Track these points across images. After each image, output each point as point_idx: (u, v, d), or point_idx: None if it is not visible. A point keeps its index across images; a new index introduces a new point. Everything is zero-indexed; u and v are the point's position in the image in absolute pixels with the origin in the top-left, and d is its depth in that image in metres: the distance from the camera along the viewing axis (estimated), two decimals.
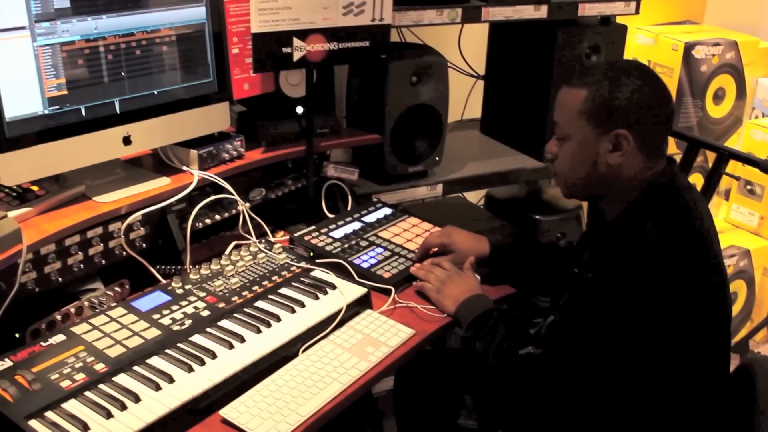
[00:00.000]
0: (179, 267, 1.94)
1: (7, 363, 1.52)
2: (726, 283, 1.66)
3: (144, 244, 1.92)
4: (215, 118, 2.06)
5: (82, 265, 1.78)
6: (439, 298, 1.89)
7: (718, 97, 3.27)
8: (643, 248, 1.55)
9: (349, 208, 2.37)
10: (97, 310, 1.74)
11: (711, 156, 2.80)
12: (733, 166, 2.72)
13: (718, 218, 3.55)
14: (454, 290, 1.88)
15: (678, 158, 2.49)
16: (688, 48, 3.12)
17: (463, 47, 2.93)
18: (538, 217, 2.91)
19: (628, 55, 3.24)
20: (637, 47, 3.31)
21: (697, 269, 1.57)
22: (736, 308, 3.37)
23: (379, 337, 1.77)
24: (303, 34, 2.06)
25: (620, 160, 1.62)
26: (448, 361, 2.11)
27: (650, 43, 3.26)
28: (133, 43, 1.83)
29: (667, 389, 1.59)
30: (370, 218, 2.25)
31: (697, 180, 3.19)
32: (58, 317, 1.73)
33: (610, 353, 1.56)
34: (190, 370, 1.55)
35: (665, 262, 1.53)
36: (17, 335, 1.67)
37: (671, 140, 3.10)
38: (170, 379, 1.52)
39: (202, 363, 1.57)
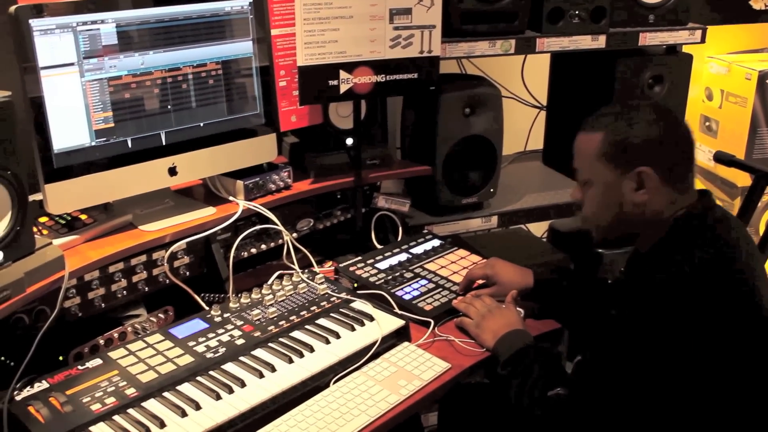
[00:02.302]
0: (223, 295, 1.98)
1: (44, 385, 1.57)
2: (765, 313, 1.57)
3: (188, 272, 1.96)
4: (262, 149, 2.11)
5: (125, 292, 1.84)
6: (478, 333, 1.86)
7: None
8: (669, 284, 1.50)
9: (399, 239, 2.37)
10: (138, 336, 1.78)
11: None
12: None
13: None
14: (493, 324, 1.85)
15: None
16: (763, 77, 3.01)
17: (527, 77, 2.91)
18: (601, 250, 2.84)
19: (699, 85, 3.16)
20: (709, 76, 3.21)
21: (729, 305, 1.50)
22: None
23: (413, 371, 1.75)
24: (350, 67, 2.08)
25: (646, 197, 1.59)
26: (491, 396, 2.07)
27: (723, 72, 3.16)
28: (180, 77, 1.89)
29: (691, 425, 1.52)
30: (418, 250, 2.25)
31: None
32: (101, 342, 1.78)
33: (636, 395, 1.51)
34: (218, 398, 1.57)
35: (692, 297, 1.48)
36: (61, 358, 1.73)
37: (742, 173, 2.99)
38: (197, 406, 1.54)
39: (231, 391, 1.59)
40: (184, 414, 1.52)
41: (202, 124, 1.96)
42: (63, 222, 1.84)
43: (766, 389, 1.58)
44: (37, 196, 1.79)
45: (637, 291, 1.57)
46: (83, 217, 1.86)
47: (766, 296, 1.59)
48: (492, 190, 2.53)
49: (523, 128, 3.02)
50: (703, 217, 1.60)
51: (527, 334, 1.83)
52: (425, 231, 2.38)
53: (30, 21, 1.64)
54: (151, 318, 1.89)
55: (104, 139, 1.80)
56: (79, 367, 1.63)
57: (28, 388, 1.56)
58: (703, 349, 1.47)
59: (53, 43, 1.68)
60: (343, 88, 2.10)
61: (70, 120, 1.74)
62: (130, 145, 1.84)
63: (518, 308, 1.96)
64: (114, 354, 1.68)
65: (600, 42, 2.46)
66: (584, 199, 1.70)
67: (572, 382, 1.64)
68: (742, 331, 1.51)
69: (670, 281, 1.50)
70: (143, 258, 1.86)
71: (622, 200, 1.62)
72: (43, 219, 1.84)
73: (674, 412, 1.51)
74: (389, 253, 2.21)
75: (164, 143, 1.90)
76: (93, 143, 1.79)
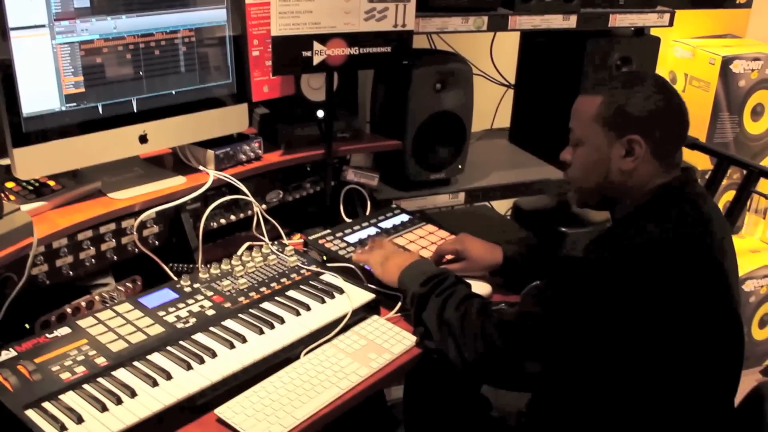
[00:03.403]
0: (191, 265, 1.96)
1: (12, 353, 1.55)
2: (731, 291, 1.63)
3: (157, 242, 1.94)
4: (233, 119, 2.08)
5: (93, 260, 1.81)
6: (383, 271, 1.89)
7: (757, 113, 3.20)
8: (639, 247, 1.54)
9: (367, 213, 2.37)
10: (106, 305, 1.76)
11: None
12: None
13: (754, 237, 3.47)
14: (398, 260, 1.88)
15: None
16: (726, 62, 3.06)
17: (495, 56, 2.92)
18: (564, 229, 2.87)
19: (664, 68, 3.20)
20: (674, 60, 3.25)
21: (695, 274, 1.55)
22: None
23: (383, 344, 1.76)
24: (323, 38, 2.06)
25: (632, 165, 1.64)
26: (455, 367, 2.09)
27: (688, 56, 3.21)
28: (152, 43, 1.86)
29: (654, 399, 1.57)
30: (387, 224, 2.25)
31: (731, 197, 3.12)
32: (69, 310, 1.76)
33: (594, 341, 1.54)
34: (189, 367, 1.57)
35: (660, 263, 1.52)
36: (27, 326, 1.70)
37: (706, 157, 3.04)
38: (168, 376, 1.53)
39: (202, 361, 1.59)
40: (155, 383, 1.51)
41: (173, 92, 1.93)
42: (30, 188, 1.80)
43: (719, 358, 1.63)
44: (4, 161, 1.75)
45: (606, 245, 1.61)
46: (51, 183, 1.82)
47: (730, 270, 1.65)
48: (460, 166, 2.54)
49: (490, 106, 3.03)
50: (681, 189, 1.64)
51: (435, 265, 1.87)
52: (393, 206, 2.39)
53: None
54: (119, 287, 1.87)
55: (75, 104, 1.76)
56: (48, 335, 1.61)
57: None
58: (660, 309, 1.52)
59: (24, 3, 1.63)
60: (317, 60, 2.08)
61: (40, 84, 1.70)
62: (101, 111, 1.81)
63: (487, 283, 1.99)
64: (83, 323, 1.66)
65: (571, 22, 2.48)
66: (573, 160, 1.75)
67: (520, 303, 1.70)
68: (703, 296, 1.56)
69: (640, 244, 1.54)
70: (112, 226, 1.84)
71: (609, 165, 1.66)
72: (9, 184, 1.80)
73: (629, 365, 1.55)
74: (358, 227, 2.21)
75: (135, 110, 1.87)
76: (63, 108, 1.75)
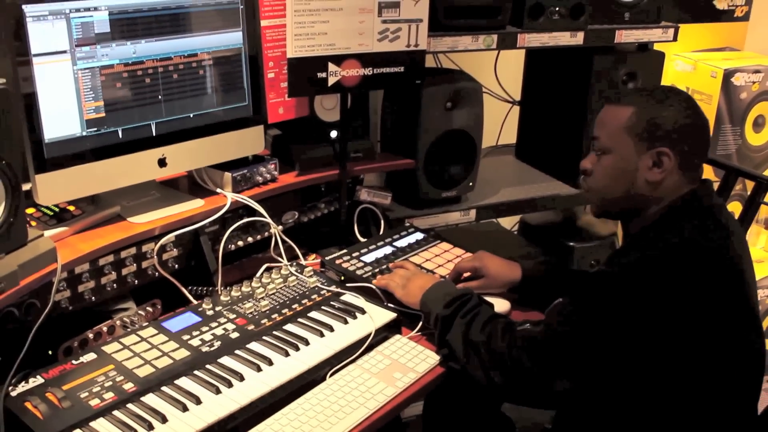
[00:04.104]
0: (211, 288, 1.96)
1: (39, 380, 1.54)
2: (753, 302, 1.64)
3: (177, 265, 1.94)
4: (250, 141, 2.09)
5: (115, 285, 1.81)
6: (405, 294, 1.90)
7: (758, 124, 3.23)
8: (662, 257, 1.56)
9: (381, 233, 2.37)
10: (128, 330, 1.76)
11: (750, 185, 2.76)
12: None
13: (757, 247, 3.49)
14: (419, 282, 1.89)
15: (716, 186, 2.47)
16: (728, 75, 3.09)
17: (500, 73, 2.94)
18: (572, 243, 2.89)
19: (666, 82, 3.22)
20: (675, 74, 3.28)
21: (718, 284, 1.57)
22: None
23: (407, 363, 1.76)
24: (338, 60, 2.07)
25: (659, 177, 1.66)
26: (477, 386, 2.09)
27: (689, 69, 3.24)
28: (171, 67, 1.86)
29: (686, 406, 1.58)
30: (402, 243, 2.25)
31: (736, 209, 3.14)
32: (90, 336, 1.75)
33: (619, 352, 1.56)
34: (218, 392, 1.56)
35: (683, 272, 1.54)
36: (50, 352, 1.69)
37: (710, 168, 3.07)
38: (197, 401, 1.53)
39: (230, 385, 1.58)
40: (185, 408, 1.51)
41: (191, 115, 1.93)
42: (51, 213, 1.80)
43: (746, 363, 1.64)
44: (25, 186, 1.74)
45: (627, 256, 1.63)
46: (71, 208, 1.82)
47: (750, 281, 1.67)
48: (471, 183, 2.55)
49: (495, 122, 3.05)
50: (700, 201, 1.66)
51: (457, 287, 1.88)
52: (407, 224, 2.39)
53: (23, 6, 1.59)
54: (140, 311, 1.86)
55: (95, 129, 1.76)
56: (74, 362, 1.60)
57: (22, 383, 1.53)
58: (680, 317, 1.53)
59: (46, 29, 1.64)
60: (331, 81, 2.09)
61: (62, 109, 1.70)
62: (120, 135, 1.81)
63: (506, 300, 1.99)
64: (108, 348, 1.66)
65: (578, 38, 2.50)
66: (596, 168, 1.75)
67: (545, 322, 1.68)
68: (728, 310, 1.58)
69: (659, 254, 1.57)
70: (133, 251, 1.83)
71: (635, 175, 1.68)
72: (30, 210, 1.80)
73: (656, 384, 1.57)
74: (374, 246, 2.22)
75: (154, 134, 1.87)
76: (84, 133, 1.75)
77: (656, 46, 2.73)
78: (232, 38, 1.98)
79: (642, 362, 1.55)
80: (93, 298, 1.78)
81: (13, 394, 1.50)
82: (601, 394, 1.62)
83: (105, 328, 1.78)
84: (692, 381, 1.57)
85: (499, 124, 3.06)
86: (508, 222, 3.18)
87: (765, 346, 1.70)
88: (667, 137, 1.65)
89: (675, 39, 2.67)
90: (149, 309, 1.89)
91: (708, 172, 3.15)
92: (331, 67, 2.07)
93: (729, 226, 1.66)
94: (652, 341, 1.54)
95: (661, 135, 1.65)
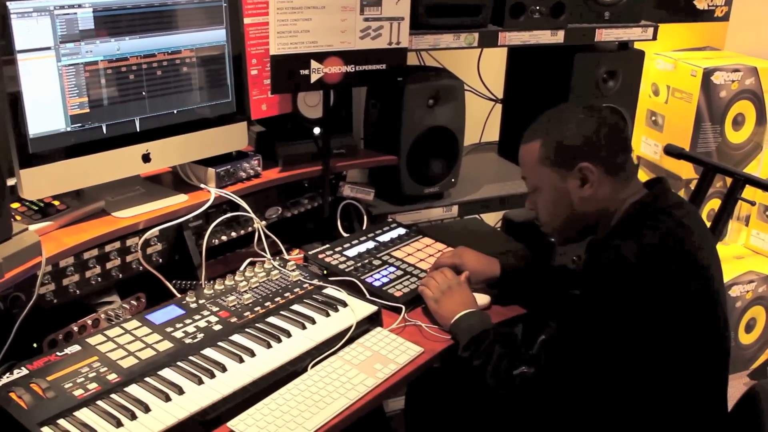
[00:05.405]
0: (194, 282, 1.99)
1: (24, 371, 1.57)
2: (716, 296, 1.67)
3: (161, 259, 1.97)
4: (233, 137, 2.12)
5: (99, 279, 1.83)
6: (436, 309, 1.92)
7: (738, 123, 3.28)
8: (620, 268, 1.58)
9: (364, 228, 2.40)
10: (112, 323, 1.78)
11: (729, 181, 2.81)
12: (753, 192, 2.73)
13: (737, 244, 3.54)
14: (451, 303, 1.91)
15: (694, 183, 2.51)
16: (707, 74, 3.14)
17: (483, 71, 2.97)
18: (553, 239, 2.91)
19: (646, 81, 3.27)
20: (656, 72, 3.33)
21: (678, 284, 1.59)
22: (754, 335, 3.35)
23: (387, 354, 1.79)
24: (321, 57, 2.10)
25: (591, 191, 1.70)
26: (458, 379, 2.12)
27: (669, 68, 3.28)
28: (155, 64, 1.89)
29: (657, 405, 1.61)
30: (384, 238, 2.29)
31: (715, 205, 3.19)
32: (75, 328, 1.77)
33: (599, 369, 1.60)
34: (200, 382, 1.59)
35: (646, 277, 1.57)
36: (35, 345, 1.71)
37: (690, 165, 3.11)
38: (180, 391, 1.55)
39: (212, 376, 1.61)
40: (168, 398, 1.53)
41: (175, 111, 1.96)
42: (36, 208, 1.82)
43: (714, 358, 1.68)
44: (11, 181, 1.77)
45: (594, 271, 1.65)
46: (56, 203, 1.84)
47: (716, 276, 1.70)
48: (453, 180, 2.59)
49: (478, 120, 3.08)
50: (654, 202, 1.69)
51: (485, 314, 1.91)
52: (390, 219, 2.42)
53: (8, 3, 1.62)
54: (124, 305, 1.89)
55: (80, 124, 1.79)
56: (58, 353, 1.63)
57: (7, 375, 1.55)
58: (653, 324, 1.57)
59: (30, 26, 1.66)
60: (314, 78, 2.12)
61: (46, 105, 1.73)
62: (105, 131, 1.83)
63: (486, 294, 2.03)
64: (92, 340, 1.68)
65: (559, 37, 2.54)
66: (537, 206, 1.81)
67: (536, 359, 1.71)
68: (693, 306, 1.61)
69: (624, 259, 1.58)
70: (117, 245, 1.86)
71: (570, 199, 1.72)
72: (15, 205, 1.82)
73: (630, 385, 1.61)
74: (356, 241, 2.25)
75: (138, 130, 1.90)
76: (68, 129, 1.77)
77: (637, 45, 2.77)
78: (216, 35, 2.00)
79: (620, 368, 1.60)
80: (78, 291, 1.80)
81: None
82: (583, 396, 1.67)
83: (90, 321, 1.81)
84: (657, 382, 1.62)
85: (482, 121, 3.09)
86: (492, 218, 3.21)
87: (729, 340, 1.73)
88: (579, 152, 1.68)
89: (654, 38, 2.71)
90: (134, 302, 1.91)
91: (689, 169, 3.20)
92: (314, 64, 2.10)
93: (689, 224, 1.68)
94: (630, 347, 1.58)
95: (574, 153, 1.69)
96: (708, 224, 2.07)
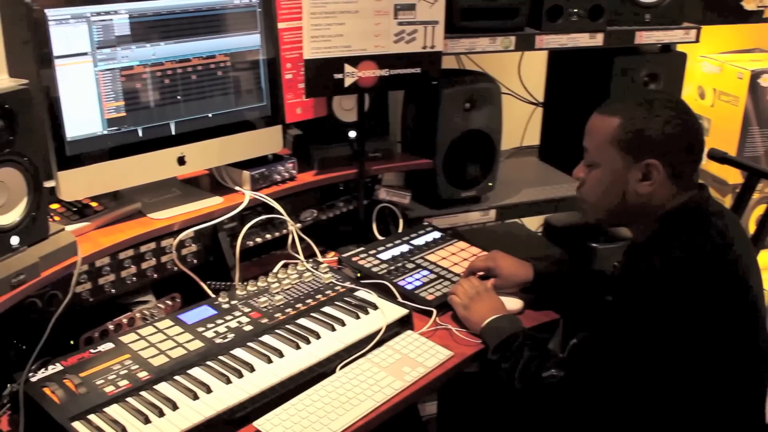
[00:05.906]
0: (229, 283, 2.01)
1: (58, 367, 1.61)
2: (754, 305, 1.63)
3: (196, 260, 2.00)
4: (268, 140, 2.14)
5: (134, 278, 1.87)
6: (466, 315, 1.91)
7: None
8: (664, 274, 1.55)
9: (399, 231, 2.41)
10: (147, 322, 1.82)
11: None
12: None
13: None
14: (481, 308, 1.90)
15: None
16: (755, 76, 3.07)
17: (524, 74, 2.96)
18: (595, 245, 2.89)
19: (692, 83, 3.22)
20: (702, 75, 3.26)
21: (720, 292, 1.56)
22: None
23: (416, 358, 1.79)
24: (354, 61, 2.12)
25: (650, 189, 1.64)
26: (491, 384, 2.11)
27: (716, 71, 3.22)
28: (189, 68, 1.93)
29: (690, 413, 1.58)
30: (419, 241, 2.29)
31: (762, 211, 3.11)
32: (111, 327, 1.82)
33: (628, 376, 1.58)
34: (228, 381, 1.61)
35: (685, 284, 1.54)
36: (72, 342, 1.76)
37: (737, 170, 3.04)
38: (208, 390, 1.58)
39: (240, 375, 1.63)
40: (195, 397, 1.56)
41: (210, 115, 2.00)
42: (74, 209, 1.87)
43: (752, 370, 1.64)
44: (49, 183, 1.82)
45: (634, 278, 1.63)
46: (94, 204, 1.89)
47: (756, 286, 1.66)
48: (490, 184, 2.57)
49: (519, 124, 3.07)
50: (698, 209, 1.65)
51: (514, 318, 1.89)
52: (425, 223, 2.42)
53: (46, 11, 1.67)
54: (159, 304, 1.92)
55: (116, 128, 1.83)
56: (92, 350, 1.67)
57: (42, 370, 1.60)
58: (694, 333, 1.54)
59: (68, 32, 1.71)
60: (348, 82, 2.13)
61: (83, 109, 1.78)
62: (140, 134, 1.88)
63: (519, 299, 2.01)
64: (125, 338, 1.72)
65: (597, 40, 2.51)
66: (588, 179, 1.74)
67: (566, 363, 1.69)
68: (732, 316, 1.57)
69: (665, 268, 1.56)
70: (152, 245, 1.90)
71: (625, 188, 1.66)
72: (54, 206, 1.87)
73: (665, 392, 1.58)
74: (391, 245, 2.25)
75: (174, 133, 1.94)
76: (105, 132, 1.82)
77: (681, 47, 2.72)
78: (250, 40, 2.03)
79: (657, 374, 1.57)
80: (113, 290, 1.84)
81: (33, 379, 1.57)
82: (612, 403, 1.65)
83: (125, 320, 1.85)
84: (699, 389, 1.59)
85: (523, 125, 3.08)
86: (533, 223, 3.19)
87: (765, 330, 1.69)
88: (655, 149, 1.61)
89: (697, 40, 2.66)
90: (168, 302, 1.95)
91: (735, 174, 3.13)
92: (348, 68, 2.11)
93: (729, 233, 1.64)
94: (667, 356, 1.55)
95: (649, 147, 1.62)
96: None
